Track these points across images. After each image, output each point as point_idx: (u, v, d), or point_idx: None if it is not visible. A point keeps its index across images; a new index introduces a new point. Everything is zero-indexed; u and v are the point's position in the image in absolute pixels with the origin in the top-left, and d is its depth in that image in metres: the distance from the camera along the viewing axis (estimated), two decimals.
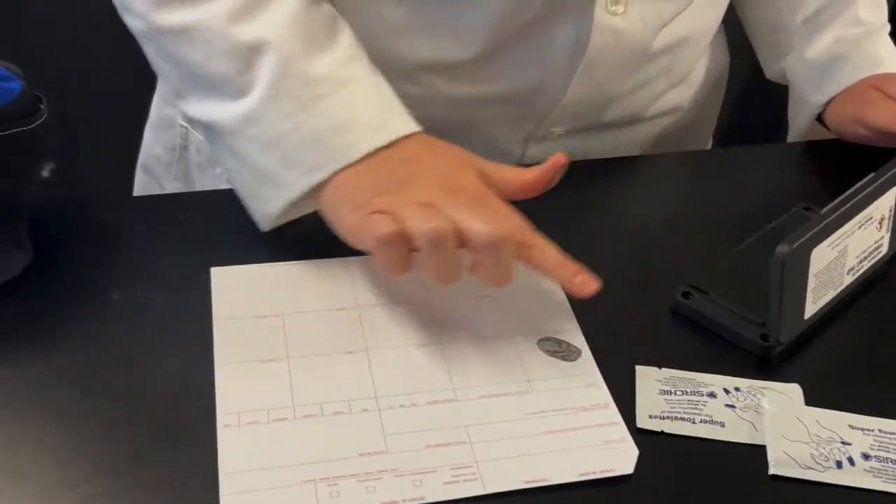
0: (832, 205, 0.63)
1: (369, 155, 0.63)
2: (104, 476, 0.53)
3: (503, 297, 0.64)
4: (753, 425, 0.59)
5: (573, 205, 0.76)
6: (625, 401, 0.60)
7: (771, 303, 0.61)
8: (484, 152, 0.65)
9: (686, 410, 0.59)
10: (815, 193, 0.79)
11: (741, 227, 0.73)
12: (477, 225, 0.59)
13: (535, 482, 0.54)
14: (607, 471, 0.55)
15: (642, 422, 0.58)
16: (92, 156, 1.38)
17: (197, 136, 0.89)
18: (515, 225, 0.60)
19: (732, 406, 0.60)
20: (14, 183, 0.64)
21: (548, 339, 0.63)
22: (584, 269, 0.60)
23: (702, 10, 0.83)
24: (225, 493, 0.52)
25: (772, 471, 0.56)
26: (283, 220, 0.67)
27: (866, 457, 0.57)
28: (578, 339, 0.63)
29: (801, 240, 0.60)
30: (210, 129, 0.69)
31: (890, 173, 0.67)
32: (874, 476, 0.56)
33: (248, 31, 0.64)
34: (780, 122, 1.31)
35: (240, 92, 0.65)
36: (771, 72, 0.95)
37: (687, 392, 0.60)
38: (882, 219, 0.68)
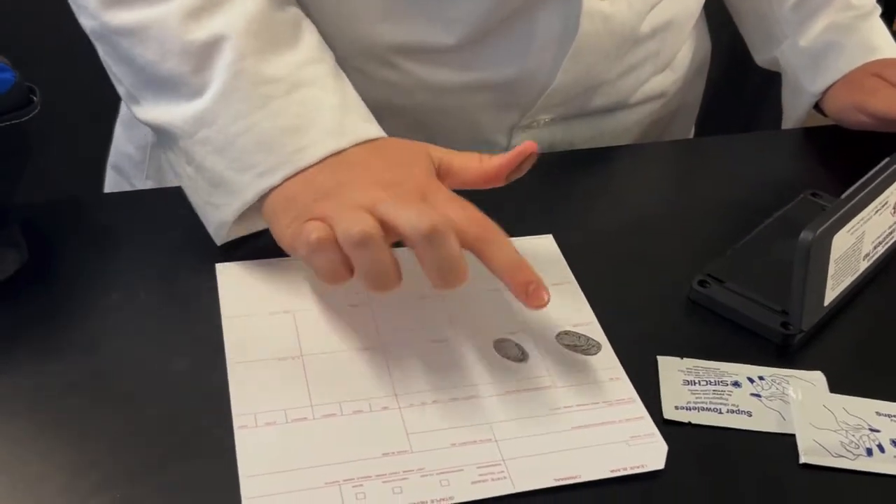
0: (851, 190, 0.62)
1: (322, 160, 0.60)
2: (118, 487, 0.50)
3: None
4: (780, 414, 0.58)
5: (574, 195, 0.75)
6: (647, 392, 0.58)
7: (793, 290, 0.60)
8: (468, 142, 0.63)
9: (712, 400, 0.58)
10: (819, 180, 0.79)
11: (748, 215, 0.72)
12: (406, 217, 0.55)
13: (566, 480, 0.53)
14: (638, 466, 0.54)
15: (669, 413, 0.57)
16: (58, 155, 1.34)
17: None
18: (463, 216, 0.56)
19: (758, 395, 0.59)
20: (6, 181, 0.62)
21: (567, 333, 0.61)
22: (538, 279, 0.56)
23: None
24: (247, 496, 0.50)
25: (803, 459, 0.55)
26: (235, 235, 0.64)
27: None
28: (598, 333, 0.62)
29: (825, 225, 0.59)
30: (164, 134, 0.65)
31: None
32: None
33: (204, 29, 0.61)
34: (758, 107, 1.31)
35: (194, 92, 0.62)
36: (762, 59, 0.94)
37: (711, 382, 0.59)
38: None
